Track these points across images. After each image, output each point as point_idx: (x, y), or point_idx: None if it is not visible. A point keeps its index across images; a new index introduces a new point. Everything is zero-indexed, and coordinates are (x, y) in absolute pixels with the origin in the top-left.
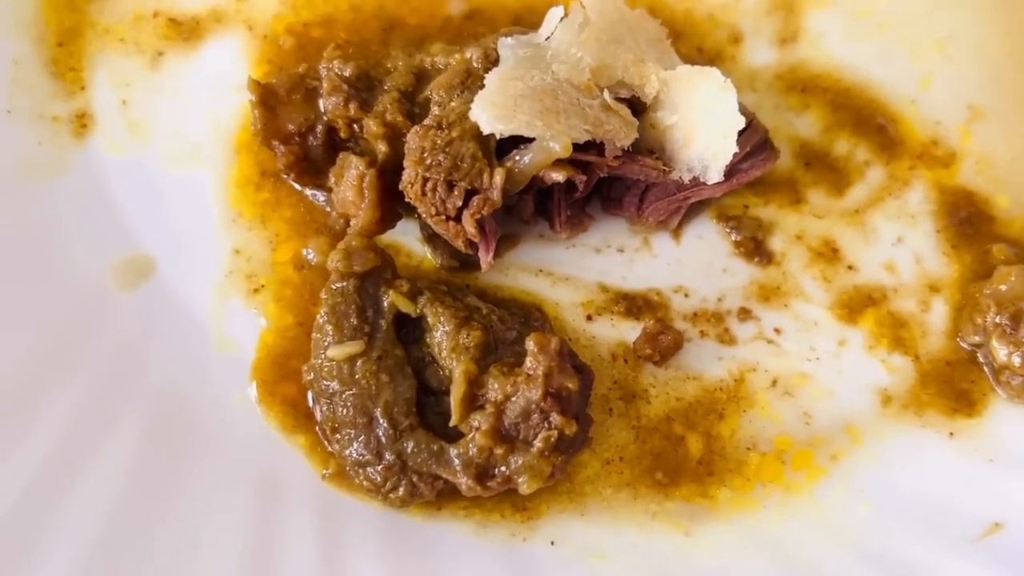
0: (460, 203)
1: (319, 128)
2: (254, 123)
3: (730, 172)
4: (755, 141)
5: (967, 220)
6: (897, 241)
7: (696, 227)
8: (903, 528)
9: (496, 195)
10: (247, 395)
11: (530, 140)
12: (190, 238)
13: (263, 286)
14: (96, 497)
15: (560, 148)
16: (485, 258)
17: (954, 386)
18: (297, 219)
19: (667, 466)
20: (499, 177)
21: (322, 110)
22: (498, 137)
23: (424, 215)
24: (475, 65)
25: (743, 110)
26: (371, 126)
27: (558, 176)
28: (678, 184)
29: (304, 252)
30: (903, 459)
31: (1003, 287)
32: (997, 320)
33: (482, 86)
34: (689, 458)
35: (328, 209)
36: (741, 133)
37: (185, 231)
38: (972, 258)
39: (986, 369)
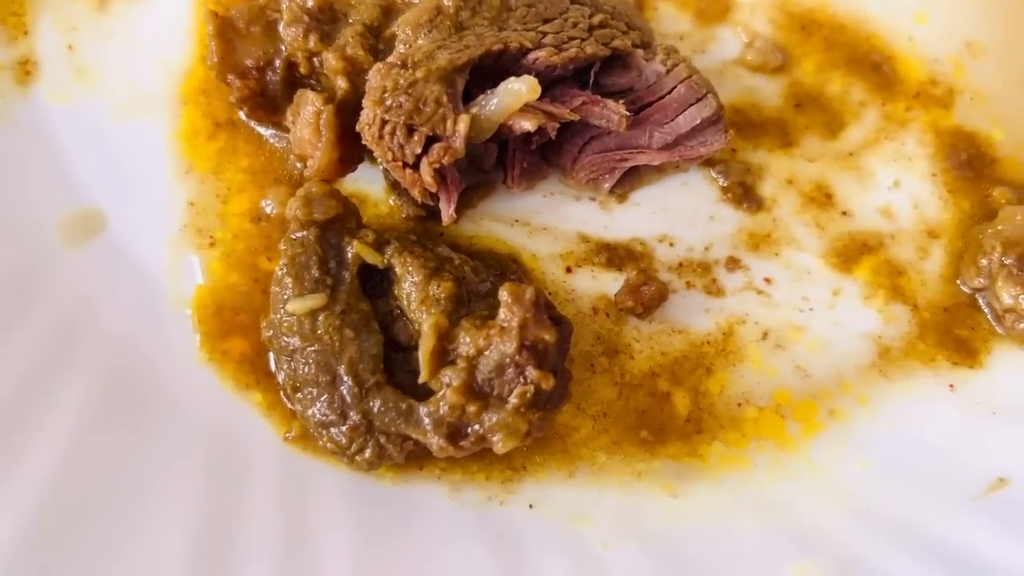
0: (419, 150)
1: (278, 63)
2: (210, 56)
3: (674, 143)
4: (707, 116)
5: (967, 162)
6: (894, 185)
7: (681, 172)
8: (903, 487)
9: (459, 144)
10: (202, 354)
11: (495, 85)
12: (142, 191)
13: (218, 239)
14: (41, 465)
15: (527, 90)
16: (446, 210)
17: (953, 334)
18: (255, 168)
19: (652, 424)
20: (463, 125)
21: (282, 44)
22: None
23: (380, 160)
24: (446, 3)
25: (701, 81)
26: (330, 60)
27: (528, 124)
28: (618, 141)
29: (262, 203)
30: (902, 414)
31: (1009, 227)
32: (1004, 261)
33: (452, 27)
34: (676, 415)
35: (288, 154)
36: (693, 104)
37: (136, 183)
38: (971, 202)
39: (988, 314)
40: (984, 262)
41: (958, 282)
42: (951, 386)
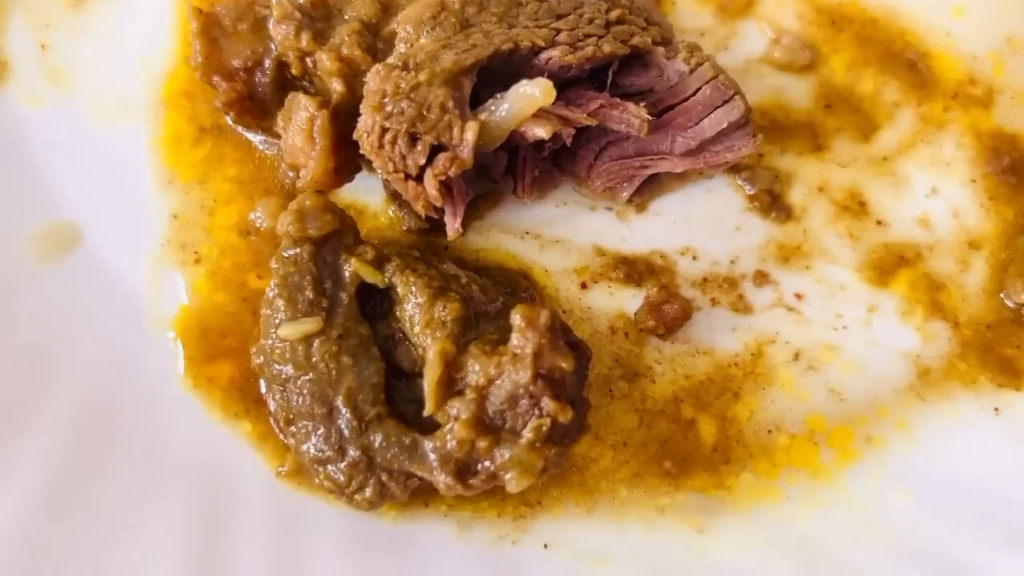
0: (423, 161)
1: (268, 63)
2: (194, 56)
3: (698, 149)
4: (735, 119)
5: (1010, 167)
6: (931, 192)
7: (704, 179)
8: (946, 520)
9: (466, 154)
10: (186, 380)
11: (505, 88)
12: (120, 202)
13: (203, 255)
14: (11, 503)
15: (541, 94)
16: (452, 224)
17: (997, 353)
18: (244, 177)
19: (676, 454)
20: (471, 133)
21: (272, 43)
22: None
23: (380, 171)
24: None
25: (728, 82)
26: (324, 61)
27: (542, 132)
28: (637, 147)
29: (251, 215)
30: (943, 440)
31: None
32: None
33: (457, 24)
34: (701, 444)
35: (279, 162)
36: (720, 107)
37: (114, 194)
38: (1015, 210)
39: None
40: None
41: (1002, 296)
42: (996, 410)
